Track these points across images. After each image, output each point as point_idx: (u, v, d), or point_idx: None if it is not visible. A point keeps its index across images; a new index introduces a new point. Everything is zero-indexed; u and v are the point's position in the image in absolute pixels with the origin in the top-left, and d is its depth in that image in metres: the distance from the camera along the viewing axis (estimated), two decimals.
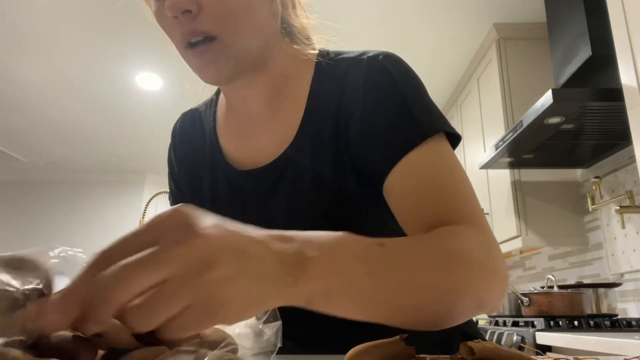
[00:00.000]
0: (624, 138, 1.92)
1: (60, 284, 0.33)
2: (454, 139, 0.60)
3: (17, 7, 2.56)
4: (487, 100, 2.75)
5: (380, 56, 0.62)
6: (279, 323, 0.36)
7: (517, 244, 2.35)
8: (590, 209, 2.18)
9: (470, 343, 0.38)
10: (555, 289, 1.97)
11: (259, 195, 0.66)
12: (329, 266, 0.36)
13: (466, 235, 0.49)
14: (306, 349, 0.71)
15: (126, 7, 2.56)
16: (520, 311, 2.00)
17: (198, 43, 0.56)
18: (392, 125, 0.57)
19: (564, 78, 2.01)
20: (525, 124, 1.90)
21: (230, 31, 0.56)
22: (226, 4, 0.55)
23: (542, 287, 2.09)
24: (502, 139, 2.13)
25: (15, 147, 4.66)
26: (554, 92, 1.69)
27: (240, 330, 0.34)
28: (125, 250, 0.27)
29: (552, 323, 1.69)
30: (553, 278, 2.05)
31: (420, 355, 0.41)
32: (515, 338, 1.71)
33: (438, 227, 0.51)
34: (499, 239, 2.52)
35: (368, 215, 0.64)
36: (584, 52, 1.85)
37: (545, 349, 1.55)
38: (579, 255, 2.44)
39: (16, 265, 0.29)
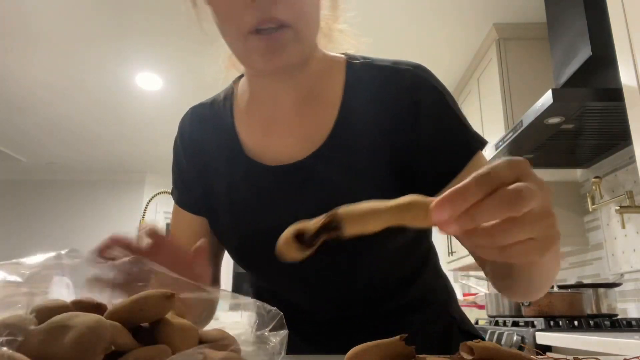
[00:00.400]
0: (624, 138, 1.92)
1: (60, 284, 0.33)
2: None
3: (18, 7, 2.56)
4: (487, 100, 2.76)
5: (419, 69, 0.67)
6: (285, 332, 0.36)
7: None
8: (590, 209, 2.18)
9: (470, 343, 0.38)
10: (555, 289, 1.97)
11: (283, 193, 0.66)
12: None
13: None
14: (309, 347, 0.71)
15: (126, 7, 2.56)
16: (520, 311, 2.00)
17: (268, 29, 0.56)
18: (450, 137, 0.63)
19: (564, 78, 2.01)
20: (525, 124, 1.90)
21: (303, 21, 0.58)
22: None
23: None
24: (502, 139, 2.13)
25: (16, 147, 4.66)
26: (554, 92, 1.69)
27: (245, 338, 0.34)
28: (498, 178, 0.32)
29: (552, 323, 1.69)
30: None
31: (420, 355, 0.42)
32: (515, 338, 1.71)
33: None
34: None
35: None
36: (584, 52, 1.85)
37: (545, 349, 1.55)
38: (579, 255, 2.44)
39: None
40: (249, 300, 0.42)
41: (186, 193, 0.75)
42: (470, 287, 2.88)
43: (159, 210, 5.33)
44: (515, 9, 2.47)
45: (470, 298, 3.02)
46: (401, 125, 0.64)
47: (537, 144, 2.06)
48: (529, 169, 0.34)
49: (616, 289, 2.03)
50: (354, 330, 0.69)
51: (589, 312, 1.90)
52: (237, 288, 4.98)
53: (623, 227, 1.96)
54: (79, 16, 2.65)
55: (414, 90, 0.64)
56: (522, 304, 1.93)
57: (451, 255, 3.23)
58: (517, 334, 1.72)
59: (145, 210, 2.40)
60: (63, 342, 0.27)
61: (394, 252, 0.67)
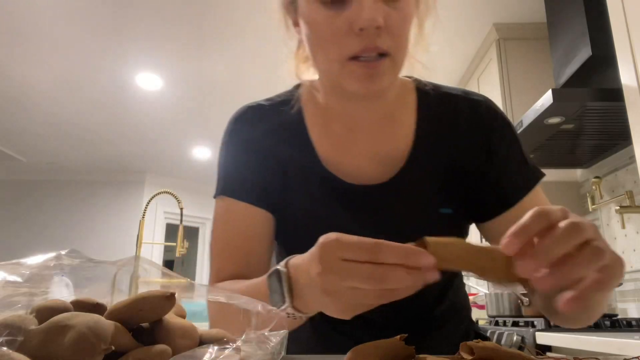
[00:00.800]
0: (624, 138, 1.92)
1: (60, 284, 0.33)
2: None
3: (18, 7, 2.56)
4: None
5: (490, 101, 0.73)
6: (284, 332, 0.36)
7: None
8: (590, 209, 2.18)
9: (470, 343, 0.38)
10: None
11: (360, 212, 0.68)
12: None
13: None
14: (311, 347, 0.71)
15: (126, 7, 2.56)
16: (520, 311, 2.00)
17: (369, 57, 0.58)
18: (516, 170, 0.69)
19: (564, 78, 2.01)
20: (525, 124, 1.90)
21: (401, 51, 0.61)
22: (406, 27, 0.60)
23: None
24: None
25: (16, 147, 4.66)
26: (554, 92, 1.69)
27: (245, 338, 0.34)
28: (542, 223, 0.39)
29: (552, 323, 1.69)
30: None
31: (421, 355, 0.42)
32: (515, 338, 1.71)
33: None
34: None
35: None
36: (584, 52, 1.85)
37: (545, 349, 1.55)
38: None
39: None
40: (249, 300, 0.42)
41: (252, 187, 0.72)
42: (470, 287, 2.89)
43: (159, 210, 5.33)
44: (515, 9, 2.47)
45: (471, 298, 3.02)
46: (473, 154, 0.69)
47: (537, 144, 2.06)
48: (566, 212, 0.40)
49: (616, 288, 2.03)
50: (353, 330, 0.69)
51: None
52: None
53: (623, 227, 1.96)
54: (79, 16, 2.65)
55: (487, 122, 0.70)
56: (522, 303, 1.93)
57: None
58: (517, 334, 1.72)
59: (145, 210, 2.40)
60: (63, 342, 0.27)
61: None
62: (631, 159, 2.02)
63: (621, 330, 1.66)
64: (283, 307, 0.49)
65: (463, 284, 0.81)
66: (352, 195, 0.69)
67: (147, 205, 2.38)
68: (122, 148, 4.69)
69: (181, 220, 2.42)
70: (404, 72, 0.73)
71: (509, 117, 2.47)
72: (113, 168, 5.27)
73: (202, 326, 0.39)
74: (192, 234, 5.60)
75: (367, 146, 0.70)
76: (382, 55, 0.58)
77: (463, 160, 0.70)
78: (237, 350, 0.32)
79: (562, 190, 2.42)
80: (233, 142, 0.75)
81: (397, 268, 0.39)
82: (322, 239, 0.43)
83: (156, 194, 2.42)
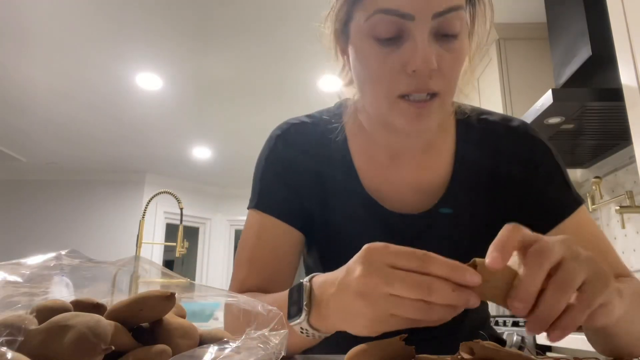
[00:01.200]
0: (624, 138, 1.92)
1: (60, 284, 0.33)
2: None
3: (18, 7, 2.56)
4: (487, 100, 2.75)
5: (530, 127, 0.73)
6: (284, 332, 0.36)
7: None
8: (590, 209, 2.18)
9: (470, 343, 0.38)
10: None
11: (406, 239, 0.69)
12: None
13: None
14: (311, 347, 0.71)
15: (127, 8, 2.56)
16: None
17: (419, 96, 0.58)
18: (557, 197, 0.69)
19: (564, 78, 2.01)
20: None
21: (450, 92, 0.60)
22: (458, 68, 0.59)
23: None
24: None
25: (15, 147, 4.66)
26: (554, 92, 1.69)
27: (245, 337, 0.34)
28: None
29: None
30: None
31: (421, 355, 0.41)
32: (515, 338, 1.71)
33: None
34: None
35: None
36: (584, 52, 1.85)
37: (545, 349, 1.55)
38: None
39: None
40: (249, 300, 0.42)
41: (288, 206, 0.73)
42: None
43: (159, 210, 5.33)
44: (515, 9, 2.47)
45: None
46: (513, 182, 0.69)
47: None
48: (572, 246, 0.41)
49: None
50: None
51: None
52: None
53: (623, 227, 1.96)
54: (80, 16, 2.65)
55: (528, 149, 0.70)
56: None
57: None
58: (517, 334, 1.72)
59: (145, 210, 2.40)
60: (63, 342, 0.27)
61: None
62: (631, 159, 2.02)
63: None
64: (298, 321, 0.48)
65: None
66: (394, 222, 0.70)
67: (147, 205, 2.38)
68: (122, 148, 4.69)
69: (181, 220, 2.42)
70: None
71: None
72: (113, 168, 5.27)
73: (202, 326, 0.39)
74: (192, 234, 5.60)
75: (408, 175, 0.71)
76: (432, 95, 0.58)
77: (503, 188, 0.70)
78: (237, 350, 0.32)
79: None
80: (273, 158, 0.75)
81: (444, 281, 0.39)
82: (369, 245, 0.43)
83: (156, 194, 2.42)
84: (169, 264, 7.20)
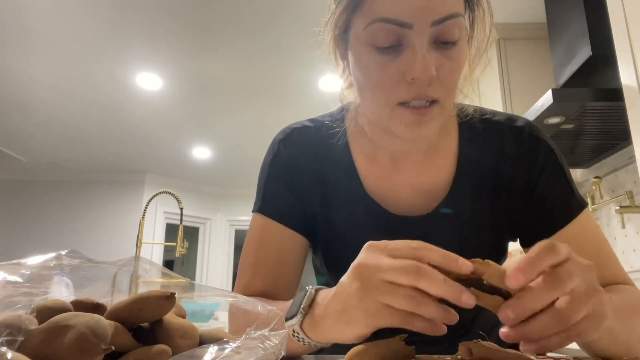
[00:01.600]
0: (624, 138, 1.92)
1: (60, 284, 0.33)
2: None
3: (18, 7, 2.56)
4: (487, 100, 2.75)
5: (534, 127, 0.72)
6: (284, 332, 0.36)
7: (518, 243, 2.34)
8: (590, 209, 2.18)
9: (468, 343, 0.38)
10: None
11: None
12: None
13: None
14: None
15: (127, 7, 2.56)
16: None
17: (419, 104, 0.58)
18: (561, 199, 0.69)
19: (564, 78, 2.01)
20: None
21: (450, 98, 0.60)
22: (457, 75, 0.59)
23: None
24: None
25: (16, 147, 4.66)
26: (554, 92, 1.69)
27: (245, 337, 0.34)
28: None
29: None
30: None
31: (421, 356, 0.42)
32: None
33: (603, 284, 0.62)
34: None
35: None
36: (584, 52, 1.85)
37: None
38: None
39: None
40: (249, 300, 0.42)
41: (291, 211, 0.74)
42: None
43: (159, 210, 5.33)
44: (515, 9, 2.47)
45: None
46: (517, 183, 0.69)
47: None
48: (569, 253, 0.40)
49: None
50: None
51: None
52: None
53: (623, 227, 1.96)
54: (80, 16, 2.65)
55: (532, 150, 0.70)
56: None
57: None
58: None
59: (145, 210, 2.40)
60: (63, 342, 0.27)
61: None
62: (631, 159, 2.02)
63: None
64: (292, 323, 0.49)
65: None
66: (395, 225, 0.70)
67: (147, 205, 2.38)
68: (122, 148, 4.69)
69: (181, 220, 2.42)
70: None
71: None
72: (113, 168, 5.27)
73: (202, 326, 0.39)
74: (192, 234, 5.60)
75: (410, 177, 0.71)
76: (432, 101, 0.58)
77: (506, 189, 0.70)
78: (237, 350, 0.32)
79: None
80: (276, 163, 0.76)
81: (435, 270, 0.40)
82: (369, 242, 0.45)
83: (156, 194, 2.42)
84: (169, 264, 7.20)
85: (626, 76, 1.42)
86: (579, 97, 1.69)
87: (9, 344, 0.26)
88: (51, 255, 0.37)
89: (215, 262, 5.86)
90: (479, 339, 0.38)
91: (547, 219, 0.68)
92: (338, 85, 0.77)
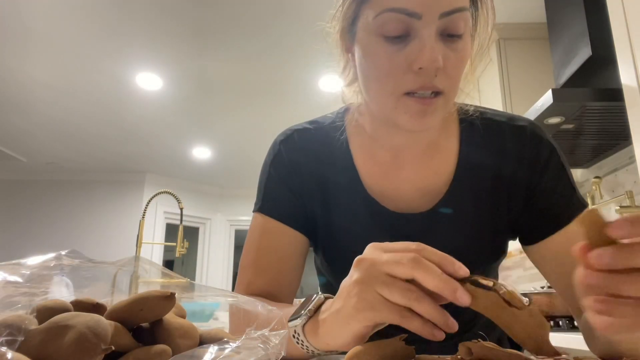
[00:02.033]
0: (624, 138, 1.92)
1: (60, 284, 0.33)
2: None
3: (18, 7, 2.56)
4: (487, 100, 2.75)
5: (536, 126, 0.72)
6: (284, 332, 0.36)
7: (518, 243, 2.34)
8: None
9: (468, 343, 0.38)
10: None
11: (406, 239, 0.70)
12: None
13: None
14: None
15: (127, 8, 2.56)
16: None
17: (424, 94, 0.59)
18: (562, 198, 0.69)
19: (564, 78, 2.01)
20: None
21: (454, 91, 0.61)
22: (461, 68, 0.60)
23: (543, 287, 2.09)
24: None
25: (16, 147, 4.66)
26: (554, 92, 1.69)
27: (245, 337, 0.34)
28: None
29: (552, 323, 1.69)
30: None
31: (421, 356, 0.42)
32: None
33: None
34: None
35: (493, 270, 0.78)
36: (584, 52, 1.85)
37: None
38: None
39: None
40: (249, 300, 0.42)
41: (291, 210, 0.74)
42: None
43: (159, 210, 5.33)
44: (515, 9, 2.47)
45: None
46: (518, 182, 0.69)
47: None
48: None
49: None
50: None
51: None
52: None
53: None
54: (80, 16, 2.65)
55: (534, 150, 0.70)
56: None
57: None
58: None
59: (145, 210, 2.40)
60: (63, 342, 0.27)
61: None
62: (631, 159, 2.02)
63: None
64: (296, 323, 0.49)
65: None
66: (394, 222, 0.70)
67: (147, 205, 2.38)
68: (122, 148, 4.69)
69: (181, 220, 2.42)
70: None
71: None
72: (113, 168, 5.27)
73: (202, 326, 0.39)
74: (192, 234, 5.60)
75: (410, 175, 0.71)
76: (437, 93, 0.59)
77: (507, 189, 0.70)
78: (237, 350, 0.32)
79: None
80: (277, 164, 0.77)
81: (432, 264, 0.40)
82: (371, 244, 0.47)
83: (156, 194, 2.42)
84: (169, 264, 7.20)
85: (626, 76, 1.42)
86: (579, 97, 1.69)
87: (9, 344, 0.26)
88: (51, 255, 0.37)
89: (215, 262, 5.86)
90: (479, 339, 0.38)
91: (548, 218, 0.69)
92: (338, 86, 0.77)
